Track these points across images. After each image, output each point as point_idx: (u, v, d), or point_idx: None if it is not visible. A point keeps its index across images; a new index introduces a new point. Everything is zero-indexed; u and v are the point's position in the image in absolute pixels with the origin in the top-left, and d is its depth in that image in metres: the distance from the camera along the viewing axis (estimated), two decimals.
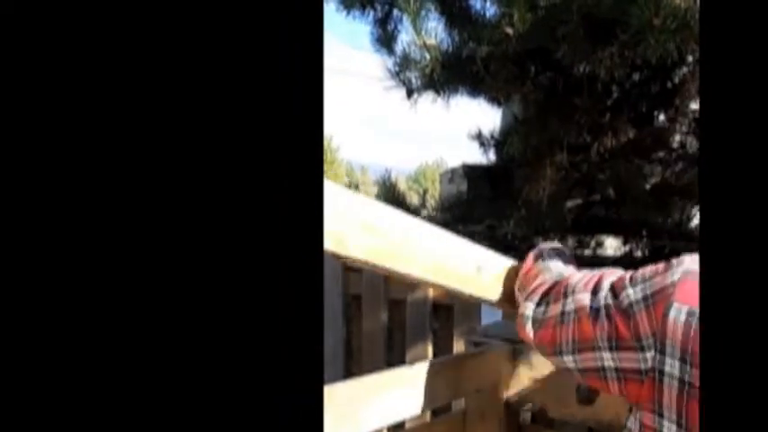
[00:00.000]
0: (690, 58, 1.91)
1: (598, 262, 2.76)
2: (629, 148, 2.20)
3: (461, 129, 2.86)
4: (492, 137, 2.76)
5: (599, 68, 1.79)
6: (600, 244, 2.89)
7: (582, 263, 2.69)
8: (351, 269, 2.83)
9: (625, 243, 2.84)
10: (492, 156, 2.81)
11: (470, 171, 2.90)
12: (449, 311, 2.56)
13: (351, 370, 2.83)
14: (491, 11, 2.39)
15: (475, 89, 2.45)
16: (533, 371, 1.43)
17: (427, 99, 2.44)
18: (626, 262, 2.72)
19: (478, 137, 2.79)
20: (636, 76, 2.25)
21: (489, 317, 2.40)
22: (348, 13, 2.59)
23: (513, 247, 2.77)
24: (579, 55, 1.84)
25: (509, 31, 2.01)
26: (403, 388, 1.20)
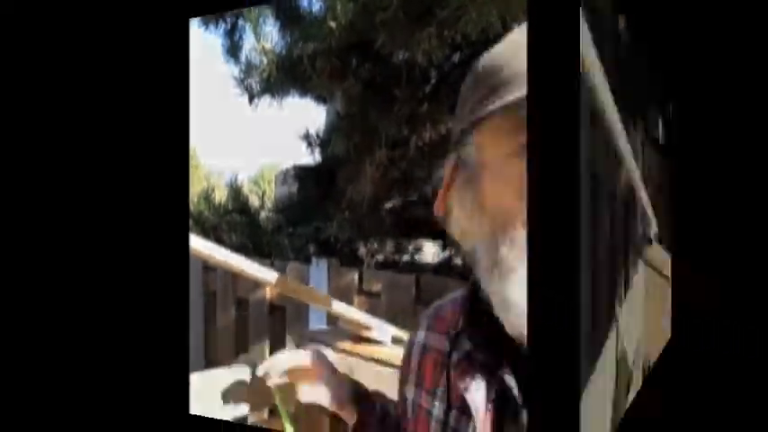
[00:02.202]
0: (515, 26, 1.96)
1: (417, 268, 2.75)
2: (448, 140, 2.21)
3: (298, 130, 2.89)
4: (318, 136, 2.73)
5: (417, 53, 1.78)
6: (418, 249, 2.88)
7: (401, 269, 2.60)
8: (209, 267, 2.94)
9: (444, 248, 2.84)
10: (318, 156, 2.78)
11: (300, 172, 2.88)
12: (282, 313, 2.61)
13: (211, 360, 2.93)
14: (317, 6, 2.39)
15: (303, 88, 2.43)
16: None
17: (265, 103, 2.45)
18: (445, 269, 2.71)
19: (306, 137, 2.76)
20: (456, 57, 2.20)
21: (318, 321, 2.39)
22: (206, 28, 2.60)
23: (336, 250, 2.74)
24: (398, 41, 1.83)
25: (332, 24, 2.01)
26: None
